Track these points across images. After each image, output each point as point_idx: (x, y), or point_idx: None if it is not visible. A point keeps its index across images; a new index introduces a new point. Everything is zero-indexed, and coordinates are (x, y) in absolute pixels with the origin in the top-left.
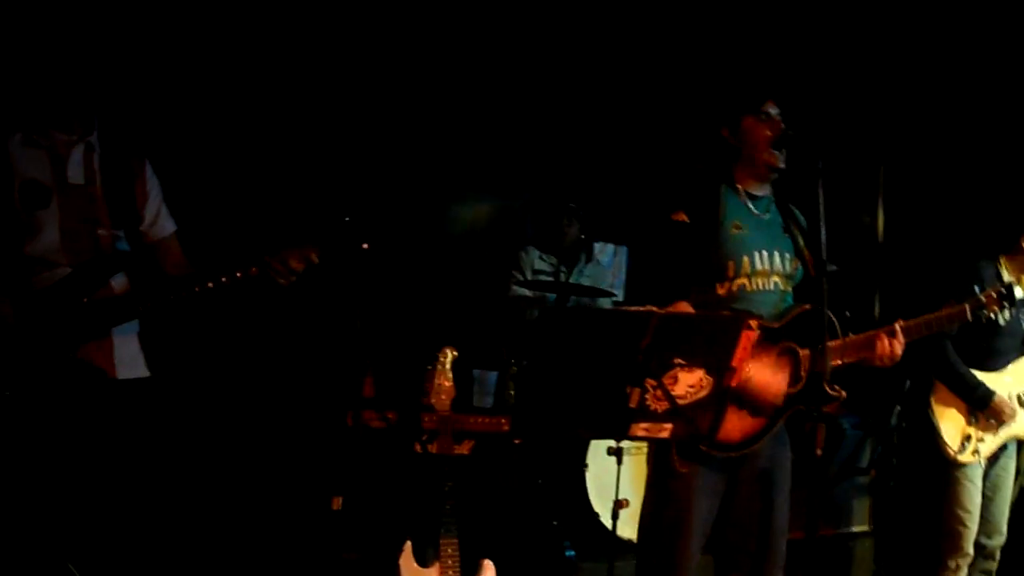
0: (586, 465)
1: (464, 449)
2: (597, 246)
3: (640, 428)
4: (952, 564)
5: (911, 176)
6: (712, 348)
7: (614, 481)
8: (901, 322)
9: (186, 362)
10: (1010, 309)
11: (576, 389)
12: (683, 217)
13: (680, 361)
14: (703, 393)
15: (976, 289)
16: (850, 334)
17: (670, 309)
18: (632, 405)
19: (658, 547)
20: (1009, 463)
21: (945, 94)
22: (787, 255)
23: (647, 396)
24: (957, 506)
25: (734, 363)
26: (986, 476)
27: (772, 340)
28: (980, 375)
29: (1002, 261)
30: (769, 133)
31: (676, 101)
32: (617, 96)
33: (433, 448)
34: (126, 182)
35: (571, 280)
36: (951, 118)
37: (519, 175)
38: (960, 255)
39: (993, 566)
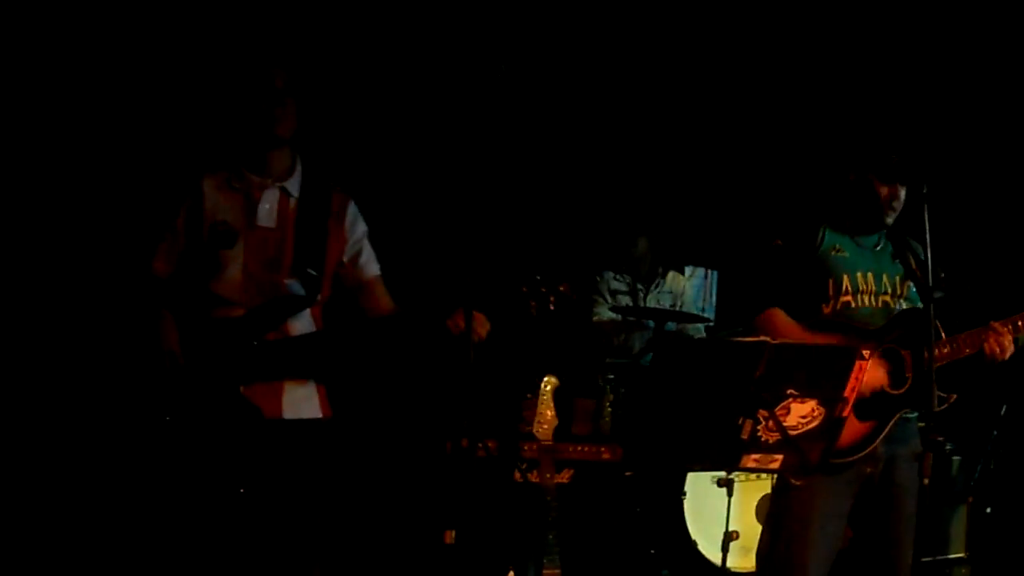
0: (684, 493)
1: (564, 478)
2: (688, 269)
3: (751, 459)
4: None
5: None
6: (825, 379)
7: (712, 509)
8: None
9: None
10: None
11: (689, 421)
12: (779, 243)
13: (793, 392)
14: (815, 424)
15: None
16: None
17: (768, 321)
18: (744, 437)
19: (779, 565)
20: None
21: None
22: (896, 277)
23: (759, 427)
24: None
25: (846, 393)
26: None
27: (875, 342)
28: None
29: None
30: (887, 195)
31: (769, 133)
32: (715, 123)
33: (534, 477)
34: (320, 227)
35: (649, 297)
36: None
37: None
38: None
39: None
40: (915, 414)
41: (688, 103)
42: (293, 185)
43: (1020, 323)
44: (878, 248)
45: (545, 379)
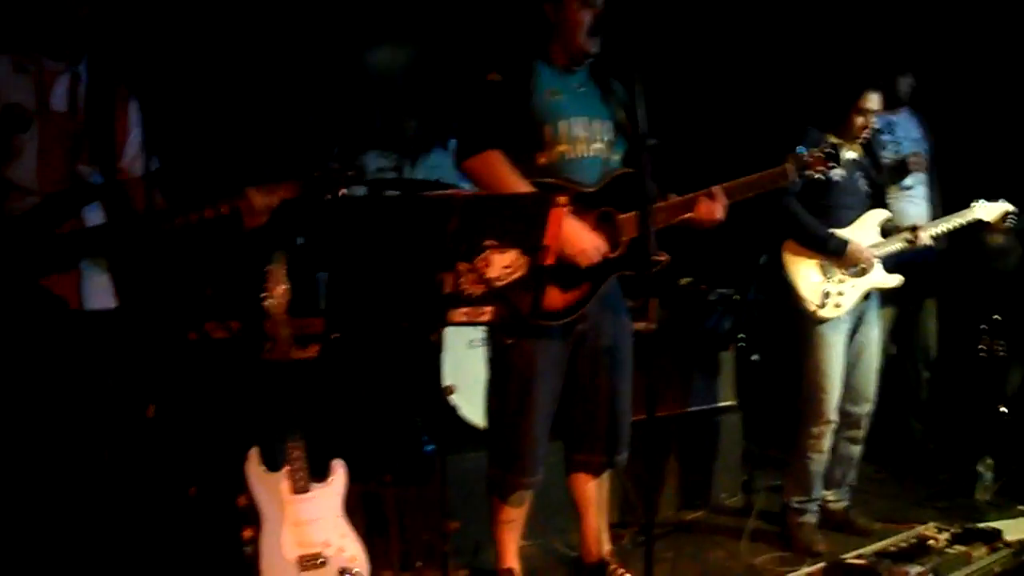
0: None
1: (310, 353)
2: (452, 143)
3: (460, 313)
4: (815, 431)
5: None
6: (522, 227)
7: (469, 372)
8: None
9: None
10: (836, 166)
11: (387, 280)
12: (496, 77)
13: (491, 243)
14: (519, 273)
15: (800, 149)
16: (671, 196)
17: (485, 164)
18: (447, 291)
19: (504, 422)
20: (871, 331)
21: None
22: (607, 124)
23: (461, 281)
24: (817, 372)
25: (547, 241)
26: (850, 343)
27: (589, 205)
28: None
29: (830, 137)
30: (587, 19)
31: None
32: None
33: (274, 354)
34: (108, 116)
35: (416, 172)
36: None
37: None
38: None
39: (860, 434)
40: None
41: None
42: (83, 70)
43: (737, 192)
44: (582, 90)
45: (276, 255)
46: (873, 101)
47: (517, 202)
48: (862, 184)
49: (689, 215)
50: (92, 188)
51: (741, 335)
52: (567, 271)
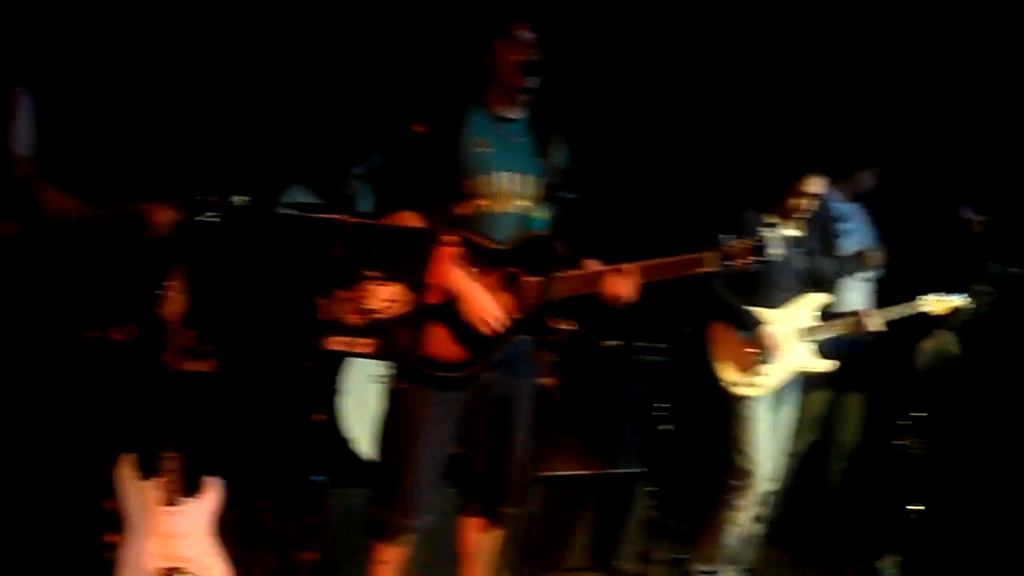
0: (337, 390)
1: (207, 366)
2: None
3: (337, 342)
4: (740, 503)
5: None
6: (406, 262)
7: (372, 408)
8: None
9: None
10: (762, 264)
11: (259, 297)
12: (421, 128)
13: (373, 273)
14: (401, 309)
15: (722, 239)
16: (586, 262)
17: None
18: (323, 317)
19: (389, 467)
20: (787, 410)
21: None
22: (536, 179)
23: (340, 309)
24: (748, 445)
25: (431, 278)
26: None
27: (496, 263)
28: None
29: (767, 217)
30: (518, 57)
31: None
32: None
33: (166, 362)
34: (3, 110)
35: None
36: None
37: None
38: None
39: (763, 512)
40: None
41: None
42: None
43: (651, 273)
44: (519, 140)
45: (177, 265)
46: (814, 184)
47: (402, 235)
48: (797, 262)
49: (593, 290)
50: None
51: (661, 403)
52: (465, 324)
